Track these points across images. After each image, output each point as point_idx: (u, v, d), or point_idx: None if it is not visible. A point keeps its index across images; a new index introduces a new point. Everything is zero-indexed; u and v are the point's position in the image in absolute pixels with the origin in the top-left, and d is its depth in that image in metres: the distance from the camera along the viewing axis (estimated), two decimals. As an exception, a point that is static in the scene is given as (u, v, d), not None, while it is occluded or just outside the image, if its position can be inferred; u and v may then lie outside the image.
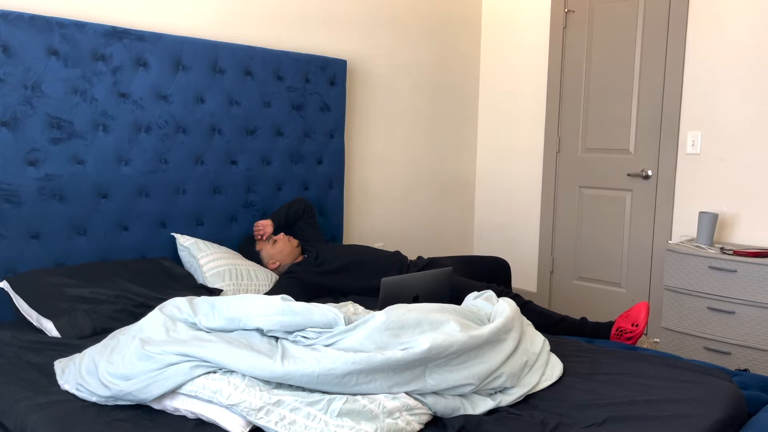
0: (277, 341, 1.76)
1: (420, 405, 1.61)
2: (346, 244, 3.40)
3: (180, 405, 1.60)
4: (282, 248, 2.91)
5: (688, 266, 3.15)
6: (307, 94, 3.25)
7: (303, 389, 1.59)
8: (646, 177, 3.65)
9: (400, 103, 3.89)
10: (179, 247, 2.76)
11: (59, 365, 1.85)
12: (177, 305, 1.90)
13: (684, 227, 3.51)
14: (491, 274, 3.06)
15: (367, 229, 3.79)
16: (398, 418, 1.55)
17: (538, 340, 2.00)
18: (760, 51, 3.19)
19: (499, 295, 2.48)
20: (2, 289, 2.37)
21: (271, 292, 2.66)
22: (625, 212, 3.77)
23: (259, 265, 2.84)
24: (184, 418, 1.60)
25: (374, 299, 2.58)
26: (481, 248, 4.47)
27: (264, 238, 2.93)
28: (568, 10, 3.91)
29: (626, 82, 3.69)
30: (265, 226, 2.93)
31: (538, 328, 2.47)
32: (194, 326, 1.84)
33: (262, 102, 3.08)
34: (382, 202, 3.86)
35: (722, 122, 3.33)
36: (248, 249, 2.94)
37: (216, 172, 2.95)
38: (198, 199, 2.90)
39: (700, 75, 3.39)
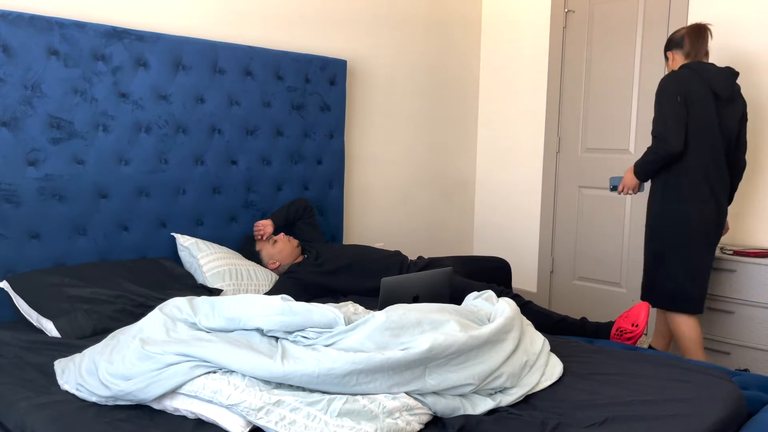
0: (277, 341, 1.76)
1: (420, 405, 1.61)
2: (346, 244, 3.40)
3: (180, 405, 1.60)
4: (282, 248, 2.91)
5: (688, 266, 3.15)
6: (307, 94, 3.25)
7: (303, 389, 1.59)
8: (646, 177, 3.65)
9: (400, 103, 3.89)
10: (179, 247, 2.76)
11: (59, 365, 1.85)
12: (177, 305, 1.90)
13: (684, 227, 3.51)
14: (492, 274, 3.07)
15: (367, 229, 3.79)
16: (398, 418, 1.55)
17: (538, 340, 2.00)
18: (760, 51, 3.19)
19: (499, 295, 2.48)
20: (2, 289, 2.37)
21: (271, 292, 2.66)
22: (625, 212, 3.77)
23: (259, 265, 2.84)
24: (184, 418, 1.60)
25: (374, 299, 2.58)
26: (481, 248, 4.47)
27: (264, 238, 2.93)
28: (568, 10, 3.91)
29: (626, 82, 3.69)
30: (265, 226, 2.94)
31: (538, 328, 2.47)
32: (194, 326, 1.84)
33: (262, 102, 3.08)
34: (382, 202, 3.86)
35: (722, 122, 3.33)
36: (248, 249, 2.94)
37: (216, 172, 2.95)
38: (198, 199, 2.90)
39: (700, 75, 3.39)
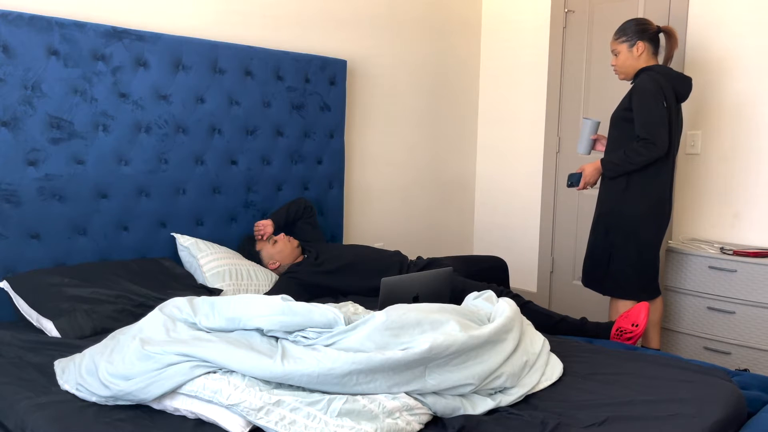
0: (277, 341, 1.76)
1: (420, 405, 1.61)
2: (346, 244, 3.40)
3: (180, 405, 1.60)
4: (282, 248, 2.91)
5: (688, 266, 3.15)
6: (307, 94, 3.25)
7: (303, 389, 1.59)
8: (646, 177, 3.65)
9: (400, 103, 3.89)
10: (179, 247, 2.76)
11: (59, 365, 1.85)
12: (177, 305, 1.91)
13: (684, 227, 3.51)
14: (489, 273, 3.06)
15: (367, 229, 3.79)
16: (398, 418, 1.55)
17: (538, 340, 2.00)
18: (759, 52, 3.19)
19: (499, 295, 2.48)
20: (2, 289, 2.37)
21: (271, 292, 2.66)
22: (625, 212, 3.77)
23: (259, 265, 2.84)
24: (184, 418, 1.60)
25: (374, 299, 2.58)
26: (481, 248, 4.47)
27: (264, 237, 2.93)
28: (568, 10, 3.91)
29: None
30: (265, 226, 2.93)
31: (538, 328, 2.47)
32: (194, 326, 1.84)
33: (262, 102, 3.08)
34: (382, 202, 3.86)
35: (722, 122, 3.33)
36: (248, 249, 2.94)
37: (216, 172, 2.95)
38: (198, 199, 2.90)
39: (700, 75, 3.39)
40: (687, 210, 3.50)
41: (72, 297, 2.25)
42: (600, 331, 2.55)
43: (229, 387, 1.55)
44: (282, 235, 2.95)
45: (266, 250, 2.91)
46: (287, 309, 1.78)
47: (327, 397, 1.55)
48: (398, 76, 3.85)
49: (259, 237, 2.94)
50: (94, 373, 1.69)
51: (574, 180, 2.91)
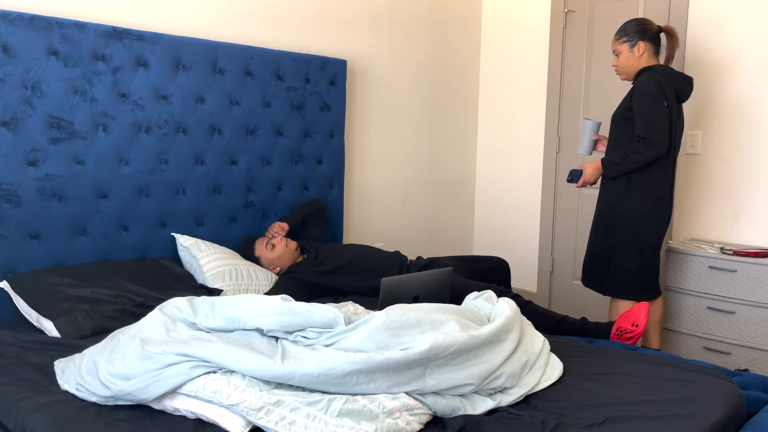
0: (277, 341, 1.76)
1: (420, 405, 1.61)
2: (346, 244, 3.40)
3: (180, 405, 1.60)
4: (281, 254, 2.90)
5: (688, 266, 3.15)
6: (307, 94, 3.25)
7: (303, 389, 1.59)
8: (646, 177, 3.65)
9: (400, 103, 3.89)
10: (179, 247, 2.76)
11: (59, 365, 1.85)
12: (177, 305, 1.91)
13: (684, 227, 3.51)
14: (491, 274, 3.07)
15: (367, 229, 3.79)
16: (398, 418, 1.55)
17: (538, 340, 2.00)
18: (760, 51, 3.19)
19: (499, 295, 2.48)
20: (2, 289, 2.37)
21: (270, 292, 2.66)
22: (625, 212, 3.77)
23: (259, 266, 2.84)
24: (184, 418, 1.60)
25: (374, 299, 2.58)
26: (481, 248, 4.47)
27: (274, 237, 2.93)
28: (568, 10, 3.91)
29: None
30: (283, 228, 2.96)
31: (538, 328, 2.46)
32: (194, 326, 1.84)
33: (262, 102, 3.08)
34: (382, 202, 3.86)
35: (722, 122, 3.33)
36: (246, 253, 2.93)
37: (216, 172, 2.95)
38: (198, 199, 2.90)
39: (700, 75, 3.39)
40: (687, 210, 3.50)
41: (72, 297, 2.25)
42: (600, 331, 2.55)
43: (229, 387, 1.55)
44: (279, 238, 2.94)
45: (265, 256, 2.90)
46: (287, 309, 1.78)
47: (327, 397, 1.55)
48: (398, 76, 3.85)
49: (271, 236, 2.95)
50: (94, 373, 1.69)
51: (574, 176, 2.92)
